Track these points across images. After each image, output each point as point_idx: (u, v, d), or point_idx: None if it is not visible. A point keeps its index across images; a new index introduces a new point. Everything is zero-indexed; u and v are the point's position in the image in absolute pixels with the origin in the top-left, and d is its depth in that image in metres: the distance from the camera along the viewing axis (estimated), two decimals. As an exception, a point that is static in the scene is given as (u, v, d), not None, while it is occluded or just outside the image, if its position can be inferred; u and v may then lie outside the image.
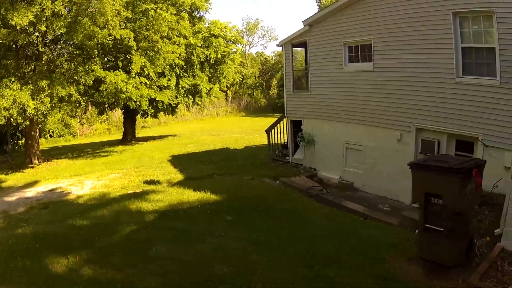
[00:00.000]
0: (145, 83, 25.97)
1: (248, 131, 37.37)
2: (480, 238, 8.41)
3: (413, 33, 12.78)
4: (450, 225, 7.25)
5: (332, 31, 16.44)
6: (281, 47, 20.45)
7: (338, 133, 16.45)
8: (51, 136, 44.64)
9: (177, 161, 22.67)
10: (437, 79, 12.07)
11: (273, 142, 21.45)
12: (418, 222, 7.96)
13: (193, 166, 20.73)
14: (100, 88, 23.66)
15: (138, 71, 25.15)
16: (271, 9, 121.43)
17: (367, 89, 14.85)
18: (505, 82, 10.28)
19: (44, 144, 39.09)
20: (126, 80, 24.05)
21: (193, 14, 35.62)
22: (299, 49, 22.74)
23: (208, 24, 36.88)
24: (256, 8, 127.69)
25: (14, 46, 22.91)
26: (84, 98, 24.32)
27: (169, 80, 30.41)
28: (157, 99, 28.98)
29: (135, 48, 24.60)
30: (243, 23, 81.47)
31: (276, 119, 21.90)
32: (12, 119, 20.80)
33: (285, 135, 20.82)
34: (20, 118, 20.60)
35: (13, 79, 21.05)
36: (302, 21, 17.87)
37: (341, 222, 10.95)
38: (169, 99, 30.64)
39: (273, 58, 75.88)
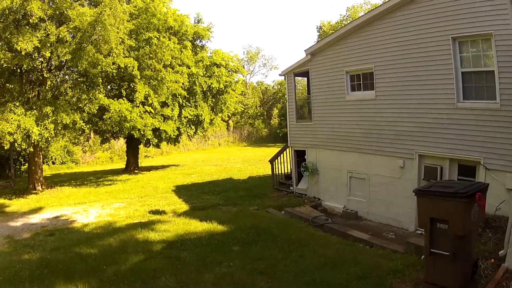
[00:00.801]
0: (150, 112, 26.13)
1: (251, 161, 37.47)
2: (484, 260, 8.46)
3: (413, 60, 13.01)
4: (455, 249, 7.34)
5: (334, 59, 16.66)
6: (283, 77, 20.59)
7: (342, 162, 16.52)
8: (53, 163, 44.81)
9: (181, 191, 22.71)
10: (438, 105, 12.23)
11: (277, 172, 21.50)
12: (424, 247, 8.01)
13: (198, 196, 20.78)
14: (104, 117, 23.79)
15: (142, 100, 25.34)
16: (271, 38, 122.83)
17: (370, 117, 15.00)
18: (505, 105, 10.46)
19: (47, 170, 39.19)
20: (130, 109, 24.22)
21: (195, 43, 36.05)
22: (300, 78, 22.87)
23: (210, 53, 37.25)
24: (257, 37, 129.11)
25: (18, 71, 23.14)
26: (88, 126, 24.49)
27: (172, 110, 30.60)
28: (161, 128, 29.15)
29: (138, 77, 24.80)
30: (243, 51, 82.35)
31: (279, 149, 22.04)
32: (16, 144, 20.83)
33: (289, 165, 20.92)
34: (24, 144, 20.70)
35: (17, 104, 21.28)
36: (304, 50, 18.09)
37: (346, 251, 10.96)
38: (172, 130, 30.80)
39: (274, 87, 76.27)
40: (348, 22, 51.61)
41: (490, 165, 10.89)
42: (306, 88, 21.65)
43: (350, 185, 16.12)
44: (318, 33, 64.13)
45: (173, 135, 32.17)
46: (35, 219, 17.69)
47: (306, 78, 20.09)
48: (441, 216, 7.48)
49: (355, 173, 15.83)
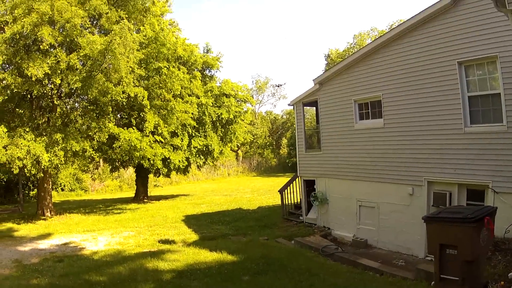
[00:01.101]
0: (160, 141, 26.24)
1: (260, 191, 37.42)
2: (494, 283, 8.43)
3: (420, 87, 13.16)
4: (465, 273, 7.36)
5: (342, 88, 16.82)
6: (292, 106, 20.67)
7: (351, 191, 16.52)
8: (62, 189, 45.01)
9: (191, 221, 22.65)
10: (446, 131, 12.32)
11: (287, 202, 21.46)
12: (434, 273, 8.01)
13: (207, 226, 20.71)
14: (114, 145, 23.92)
15: (152, 130, 25.48)
16: (279, 67, 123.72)
17: (378, 145, 15.08)
18: (511, 127, 10.52)
19: (56, 197, 39.28)
20: (140, 138, 24.32)
21: (204, 72, 36.26)
22: (309, 107, 22.97)
23: (220, 83, 37.49)
24: (265, 66, 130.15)
25: (28, 96, 23.39)
26: (98, 154, 24.62)
27: (182, 140, 30.71)
28: (170, 158, 29.22)
29: (148, 106, 24.97)
30: (252, 81, 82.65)
31: (289, 179, 22.04)
32: (25, 170, 20.93)
33: (298, 195, 20.88)
34: (34, 169, 20.81)
35: (27, 129, 21.43)
36: (312, 80, 18.27)
37: (356, 279, 10.91)
38: (179, 160, 30.85)
39: (283, 116, 76.53)
40: (355, 50, 52.09)
41: (498, 188, 10.90)
42: (315, 117, 21.74)
43: (360, 213, 16.09)
44: (326, 61, 64.55)
45: (182, 165, 32.23)
46: (43, 244, 17.63)
47: (314, 107, 20.16)
48: (450, 241, 7.50)
49: (365, 201, 15.80)
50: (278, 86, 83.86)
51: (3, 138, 20.00)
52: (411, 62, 13.49)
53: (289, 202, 21.48)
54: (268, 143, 72.60)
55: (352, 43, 61.69)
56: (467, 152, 11.73)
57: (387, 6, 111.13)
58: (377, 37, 45.38)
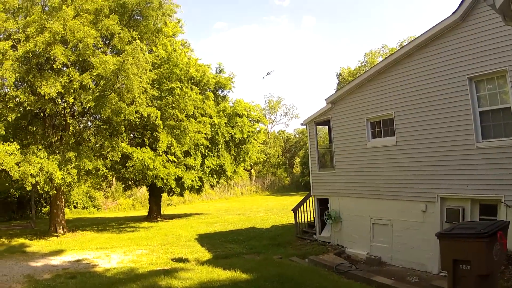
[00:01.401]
0: (173, 161, 26.31)
1: (274, 210, 37.40)
2: (507, 297, 8.38)
3: (431, 103, 13.19)
4: (478, 288, 7.32)
5: (354, 107, 16.85)
6: (305, 126, 20.72)
7: (364, 209, 16.46)
8: (75, 207, 45.43)
9: (204, 239, 22.63)
10: (458, 147, 12.32)
11: (300, 220, 21.39)
12: (447, 289, 7.98)
13: (221, 245, 20.66)
14: (127, 164, 24.05)
15: (165, 150, 25.58)
16: (291, 87, 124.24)
17: (391, 163, 15.06)
18: (524, 140, 10.51)
19: (68, 214, 39.56)
20: (153, 157, 24.44)
21: (217, 92, 36.43)
22: (321, 126, 23.00)
23: (232, 103, 37.64)
24: (277, 86, 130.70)
25: (41, 114, 23.62)
26: (111, 173, 24.74)
27: (195, 159, 30.80)
28: (184, 178, 29.30)
29: (161, 126, 25.10)
30: (265, 101, 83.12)
31: (302, 197, 22.02)
32: (38, 187, 21.08)
33: (312, 214, 20.84)
34: (47, 186, 20.95)
35: (40, 147, 21.64)
36: (325, 99, 18.33)
37: (371, 296, 10.89)
38: (192, 180, 30.92)
39: (296, 135, 76.66)
40: (367, 68, 52.19)
41: (511, 202, 10.84)
42: (328, 136, 21.76)
43: (373, 231, 16.01)
44: (338, 80, 64.78)
45: (196, 185, 32.33)
46: (56, 261, 17.67)
47: (327, 127, 20.21)
48: (463, 257, 7.49)
49: (378, 219, 15.74)
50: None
51: (16, 155, 20.21)
52: (421, 79, 13.55)
53: (303, 220, 21.41)
54: (281, 162, 72.69)
55: (363, 61, 62.01)
56: (479, 167, 11.70)
57: (397, 23, 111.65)
58: (387, 55, 45.53)
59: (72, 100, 21.50)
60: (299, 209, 21.35)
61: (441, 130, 12.87)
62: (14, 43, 21.18)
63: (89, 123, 27.14)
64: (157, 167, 24.29)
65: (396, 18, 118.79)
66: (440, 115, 12.87)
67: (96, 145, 23.89)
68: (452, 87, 12.39)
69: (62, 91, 20.87)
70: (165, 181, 25.82)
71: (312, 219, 20.88)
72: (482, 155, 11.63)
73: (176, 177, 27.23)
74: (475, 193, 11.82)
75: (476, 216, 11.89)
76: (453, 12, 12.21)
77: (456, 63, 12.27)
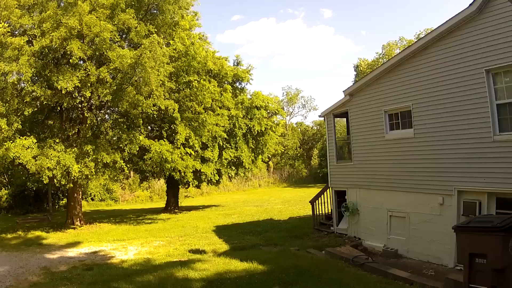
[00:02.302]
0: (190, 154, 26.36)
1: (291, 202, 37.40)
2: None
3: (448, 96, 13.09)
4: (494, 282, 7.29)
5: (372, 99, 16.77)
6: (323, 118, 20.69)
7: (382, 201, 16.40)
8: (92, 199, 45.86)
9: (221, 231, 22.72)
10: (475, 139, 12.20)
11: (317, 212, 21.38)
12: (463, 282, 7.93)
13: (238, 237, 20.72)
14: (145, 157, 24.16)
15: (183, 142, 25.61)
16: (309, 79, 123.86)
17: (409, 155, 14.97)
18: (540, 133, 10.38)
19: (86, 206, 39.98)
20: (171, 150, 24.48)
21: (234, 85, 36.38)
22: (339, 118, 22.89)
23: (250, 95, 37.57)
24: (296, 79, 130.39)
25: (58, 108, 23.82)
26: (128, 166, 24.84)
27: (212, 152, 30.82)
28: (201, 170, 29.35)
29: (179, 119, 25.14)
30: (283, 93, 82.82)
31: (320, 189, 22.00)
32: (55, 180, 21.29)
33: (329, 205, 20.83)
34: (64, 180, 21.16)
35: (57, 140, 21.89)
36: (343, 91, 18.24)
37: (387, 289, 10.86)
38: (211, 173, 30.99)
39: (313, 127, 76.42)
40: (384, 60, 51.87)
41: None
42: (346, 128, 21.67)
43: (390, 224, 15.95)
44: (355, 72, 64.50)
45: (214, 179, 32.40)
46: (72, 253, 17.88)
47: (345, 119, 20.13)
48: (479, 250, 7.44)
49: (395, 211, 15.67)
50: None
51: (33, 148, 20.40)
52: (439, 72, 13.44)
53: (320, 212, 21.41)
54: (299, 154, 72.56)
55: (381, 53, 61.68)
56: (496, 160, 11.57)
57: (415, 15, 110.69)
58: (405, 47, 45.16)
59: (89, 94, 21.61)
60: (317, 201, 21.34)
61: (458, 123, 12.76)
62: (30, 39, 21.37)
63: (106, 116, 27.27)
64: (175, 160, 24.32)
65: (415, 9, 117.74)
66: (458, 107, 12.76)
67: (114, 138, 24.00)
68: (469, 79, 12.27)
69: (79, 85, 21.03)
70: (182, 173, 25.88)
71: (330, 211, 20.88)
72: (499, 148, 11.50)
73: (194, 169, 27.28)
74: (491, 187, 11.69)
75: (492, 210, 11.77)
76: (470, 4, 12.07)
77: (473, 55, 12.14)
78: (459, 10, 12.37)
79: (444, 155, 13.36)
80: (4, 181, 40.10)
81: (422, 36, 15.37)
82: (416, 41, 14.98)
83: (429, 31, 14.79)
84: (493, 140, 11.63)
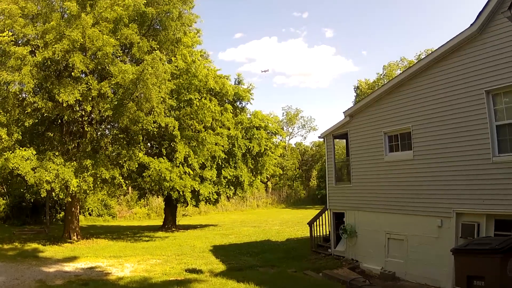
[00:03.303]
0: (189, 173, 26.28)
1: (289, 223, 37.31)
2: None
3: (448, 117, 13.16)
4: (493, 304, 7.21)
5: (372, 121, 16.85)
6: (322, 139, 20.73)
7: (380, 224, 16.37)
8: (90, 214, 45.74)
9: (218, 251, 22.56)
10: (474, 161, 12.22)
11: (315, 234, 21.31)
12: (461, 305, 7.88)
13: (235, 257, 20.58)
14: (144, 174, 24.09)
15: (182, 161, 25.56)
16: (310, 99, 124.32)
17: (408, 177, 14.99)
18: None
19: (83, 221, 39.81)
20: (170, 168, 24.41)
21: (235, 104, 36.45)
22: (339, 139, 22.89)
23: (250, 114, 37.61)
24: (295, 98, 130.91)
25: (59, 121, 23.79)
26: (127, 182, 24.74)
27: (211, 169, 30.77)
28: (200, 192, 29.30)
29: (179, 137, 25.12)
30: (283, 113, 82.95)
31: (318, 211, 21.99)
32: (53, 193, 21.23)
33: (327, 227, 20.77)
34: (62, 194, 21.09)
35: (57, 153, 21.83)
36: (343, 112, 18.32)
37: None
38: (209, 192, 30.92)
39: (312, 148, 76.57)
40: (385, 80, 52.10)
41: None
42: (345, 150, 21.68)
43: (388, 246, 15.89)
44: (356, 93, 64.81)
45: (213, 198, 32.32)
46: (69, 267, 17.69)
47: (345, 140, 20.14)
48: (477, 273, 7.42)
49: (393, 234, 15.63)
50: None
51: (32, 160, 20.35)
52: (438, 93, 13.53)
53: (318, 234, 21.33)
54: (297, 175, 72.53)
55: (381, 74, 62.03)
56: (495, 181, 11.58)
57: (415, 36, 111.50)
58: (406, 67, 45.39)
59: (90, 108, 21.64)
60: (315, 223, 21.28)
61: (457, 144, 12.81)
62: (33, 49, 21.37)
63: (106, 131, 27.26)
64: (173, 179, 24.27)
65: (416, 30, 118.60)
66: (457, 129, 12.82)
67: (113, 154, 23.95)
68: (469, 100, 12.35)
69: (80, 99, 21.02)
70: (181, 193, 25.80)
71: (328, 233, 20.80)
72: (498, 169, 11.51)
73: (192, 189, 27.20)
74: (490, 208, 11.69)
75: (491, 232, 11.73)
76: (471, 24, 12.20)
77: (473, 76, 12.24)
78: (455, 29, 12.49)
79: (443, 177, 13.37)
80: (2, 191, 40.00)
81: (423, 56, 15.46)
82: (416, 63, 15.08)
83: (430, 51, 14.87)
84: (492, 162, 11.65)
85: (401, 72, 16.27)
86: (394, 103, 15.61)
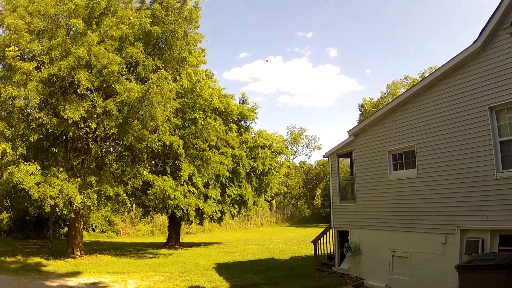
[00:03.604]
0: (193, 192, 26.29)
1: (293, 242, 37.15)
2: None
3: (452, 134, 13.23)
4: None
5: (377, 139, 16.91)
6: (327, 158, 20.77)
7: (384, 242, 16.36)
8: (93, 230, 45.69)
9: (222, 269, 22.46)
10: (478, 177, 12.24)
11: (320, 252, 21.26)
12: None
13: (239, 275, 20.46)
14: (148, 192, 24.13)
15: (187, 179, 25.59)
16: (314, 118, 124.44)
17: (412, 195, 14.98)
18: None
19: (86, 237, 39.73)
20: (174, 187, 24.47)
21: (239, 123, 36.60)
22: (343, 158, 22.91)
23: (255, 134, 37.67)
24: (300, 117, 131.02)
25: (64, 137, 23.92)
26: (131, 199, 24.75)
27: (214, 187, 30.81)
28: (204, 210, 29.30)
29: (183, 156, 25.17)
30: (287, 132, 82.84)
31: (322, 229, 21.95)
32: (57, 209, 21.25)
33: (331, 245, 20.71)
34: (65, 209, 21.09)
35: (61, 169, 21.83)
36: (347, 131, 18.39)
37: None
38: (213, 211, 30.89)
39: (317, 167, 76.44)
40: (389, 99, 52.24)
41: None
42: (350, 168, 21.71)
43: (393, 263, 15.85)
44: (360, 112, 64.91)
45: (216, 216, 32.29)
46: (71, 282, 17.65)
47: (349, 158, 20.18)
48: (482, 289, 7.40)
49: (398, 251, 15.60)
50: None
51: (36, 175, 20.43)
52: (442, 110, 13.60)
53: (322, 252, 21.28)
54: (301, 194, 72.44)
55: (385, 92, 62.16)
56: (499, 197, 11.58)
57: (419, 53, 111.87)
58: (410, 85, 45.52)
59: (95, 126, 21.70)
60: (319, 241, 21.23)
61: (461, 161, 12.84)
62: (39, 65, 21.57)
63: (111, 148, 27.36)
64: (178, 197, 24.30)
65: (419, 48, 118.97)
66: (461, 146, 12.87)
67: (118, 171, 24.03)
68: (473, 117, 12.42)
69: (85, 116, 21.15)
70: (185, 211, 25.82)
71: (332, 251, 20.73)
72: (502, 185, 11.54)
73: (197, 207, 27.22)
74: (494, 224, 11.68)
75: (495, 247, 11.70)
76: (474, 41, 12.30)
77: (477, 93, 12.32)
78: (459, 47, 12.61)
79: (447, 194, 13.39)
80: (6, 204, 40.00)
81: (427, 74, 15.54)
82: (420, 81, 15.18)
83: (433, 69, 14.97)
84: (496, 178, 11.68)
85: (405, 90, 16.37)
86: (398, 121, 15.69)
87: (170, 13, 25.00)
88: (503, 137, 11.71)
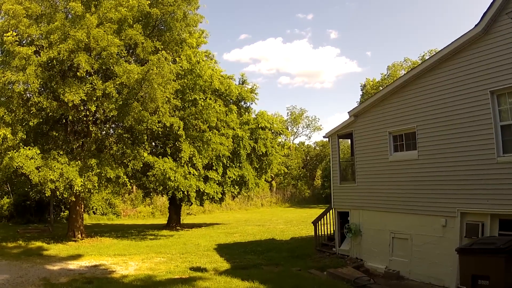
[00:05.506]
0: (193, 174, 26.29)
1: (294, 222, 37.25)
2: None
3: (453, 117, 13.17)
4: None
5: (377, 120, 16.85)
6: (327, 139, 20.72)
7: (384, 223, 16.38)
8: (94, 213, 45.80)
9: (223, 249, 22.56)
10: (479, 161, 12.22)
11: (320, 233, 21.30)
12: (466, 304, 7.89)
13: (240, 256, 20.56)
14: (148, 173, 24.14)
15: (187, 161, 25.57)
16: (315, 99, 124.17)
17: (412, 177, 14.97)
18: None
19: (87, 219, 39.89)
20: (174, 168, 24.46)
21: (239, 104, 36.49)
22: (343, 139, 22.86)
23: (255, 115, 37.57)
24: (301, 99, 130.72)
25: (63, 120, 23.84)
26: (132, 181, 24.71)
27: (216, 171, 30.80)
28: (205, 191, 29.29)
29: (184, 137, 25.14)
30: (287, 113, 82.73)
31: (322, 210, 21.98)
32: (58, 192, 21.25)
33: (331, 226, 20.74)
34: (66, 193, 21.12)
35: (61, 152, 21.83)
36: (348, 112, 18.33)
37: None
38: (214, 191, 30.87)
39: (316, 148, 76.47)
40: (390, 81, 52.10)
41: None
42: (350, 149, 21.68)
43: (393, 245, 15.89)
44: (362, 92, 64.75)
45: (217, 197, 32.27)
46: (73, 265, 17.70)
47: (349, 140, 20.15)
48: (482, 272, 7.44)
49: (398, 233, 15.63)
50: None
51: (36, 159, 20.39)
52: (443, 93, 13.53)
53: (323, 233, 21.33)
54: (302, 174, 72.48)
55: (386, 74, 61.98)
56: (499, 181, 11.58)
57: (420, 36, 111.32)
58: (410, 67, 45.37)
59: (95, 108, 21.61)
60: (319, 222, 21.26)
61: (462, 145, 12.82)
62: (37, 49, 21.43)
63: (111, 130, 27.25)
64: (178, 179, 24.30)
65: (419, 30, 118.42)
66: (462, 129, 12.83)
67: (118, 153, 23.96)
68: (474, 100, 12.36)
69: (85, 99, 21.03)
70: (185, 193, 25.82)
71: (332, 232, 20.77)
72: (502, 169, 11.52)
73: (197, 189, 27.23)
74: (494, 208, 11.68)
75: (495, 231, 11.73)
76: (476, 25, 12.19)
77: (478, 77, 12.24)
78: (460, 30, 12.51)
79: (447, 176, 13.37)
80: (7, 189, 40.07)
81: (427, 57, 15.44)
82: (421, 63, 15.06)
83: (433, 52, 14.85)
84: (497, 162, 11.66)
85: (405, 72, 16.24)
86: (399, 103, 15.62)
87: (169, -6, 24.75)
88: (504, 121, 11.66)
